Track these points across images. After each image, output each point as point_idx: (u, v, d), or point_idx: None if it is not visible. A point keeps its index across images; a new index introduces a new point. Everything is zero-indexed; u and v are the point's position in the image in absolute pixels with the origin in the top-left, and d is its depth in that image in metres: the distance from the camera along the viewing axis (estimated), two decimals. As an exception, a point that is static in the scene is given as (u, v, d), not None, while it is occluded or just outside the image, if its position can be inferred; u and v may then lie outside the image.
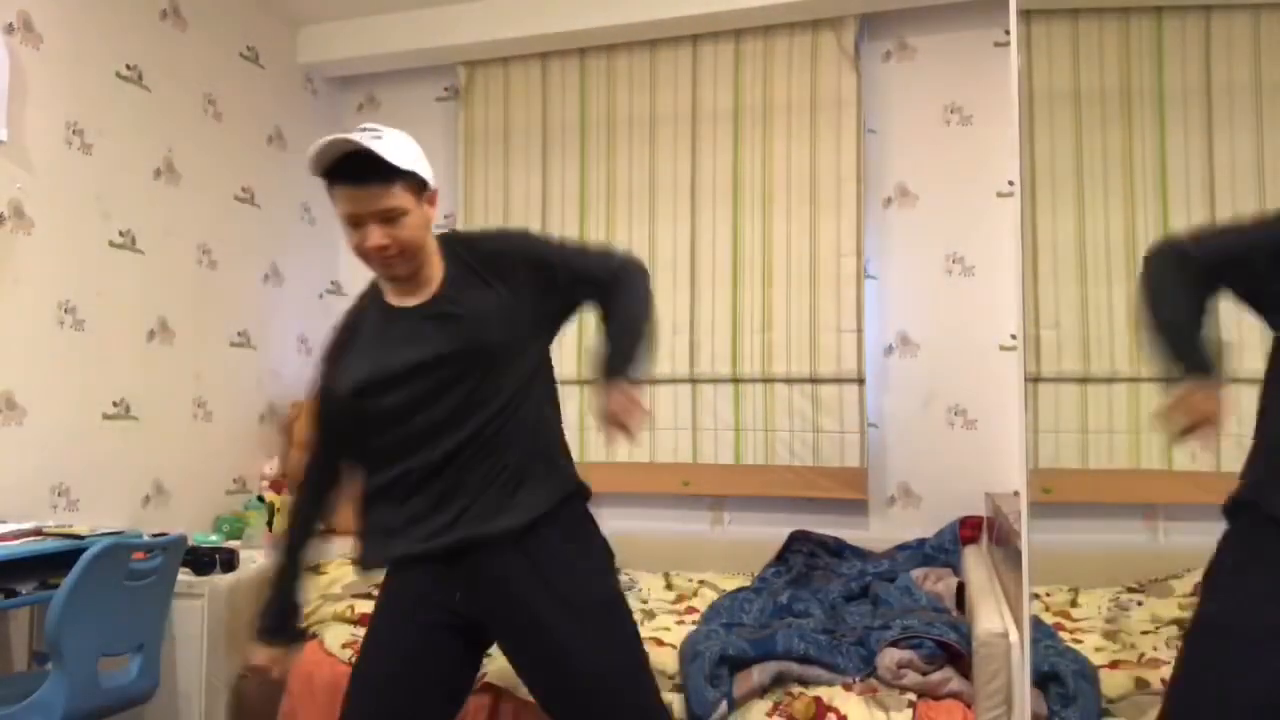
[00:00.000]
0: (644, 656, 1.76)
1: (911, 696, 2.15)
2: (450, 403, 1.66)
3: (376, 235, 1.59)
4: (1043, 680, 2.02)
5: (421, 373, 1.66)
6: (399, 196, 1.59)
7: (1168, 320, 1.70)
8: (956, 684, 2.17)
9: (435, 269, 1.72)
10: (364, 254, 1.63)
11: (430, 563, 1.69)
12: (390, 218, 1.59)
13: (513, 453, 1.69)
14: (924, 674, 2.19)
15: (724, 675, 2.19)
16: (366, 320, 1.74)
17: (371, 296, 1.77)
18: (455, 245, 1.76)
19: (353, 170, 1.56)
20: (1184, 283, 1.70)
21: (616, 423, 1.68)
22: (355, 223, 1.60)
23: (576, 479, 1.82)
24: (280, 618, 1.80)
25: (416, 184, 1.63)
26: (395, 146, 1.58)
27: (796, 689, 2.21)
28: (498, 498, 1.67)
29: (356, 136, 1.55)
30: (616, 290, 1.79)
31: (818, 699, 2.15)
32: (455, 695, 1.76)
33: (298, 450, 3.60)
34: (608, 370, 1.73)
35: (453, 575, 1.68)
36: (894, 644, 2.26)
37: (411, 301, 1.70)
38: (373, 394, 1.68)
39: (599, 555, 1.82)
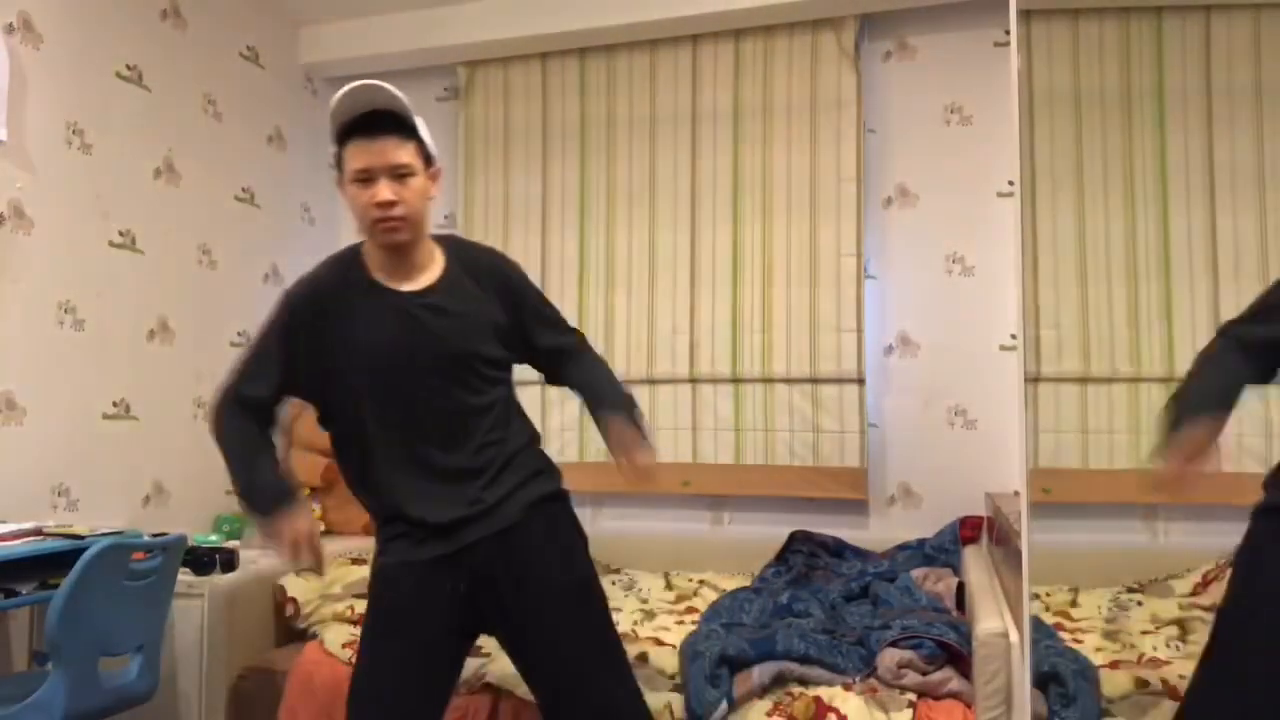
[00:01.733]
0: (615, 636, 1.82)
1: (911, 696, 2.15)
2: (446, 396, 1.69)
3: (386, 190, 1.62)
4: (1043, 680, 2.02)
5: (425, 361, 1.68)
6: (412, 155, 1.65)
7: (1199, 385, 1.70)
8: (956, 684, 2.17)
9: (432, 259, 1.74)
10: (369, 211, 1.64)
11: (435, 560, 1.70)
12: (401, 174, 1.63)
13: (507, 446, 1.75)
14: (924, 674, 2.19)
15: (724, 675, 2.19)
16: (352, 292, 1.71)
17: (350, 269, 1.73)
18: (455, 246, 1.80)
19: (372, 123, 1.62)
20: (1237, 361, 1.70)
21: (630, 457, 1.75)
22: (366, 178, 1.63)
23: (558, 475, 1.88)
24: (273, 482, 1.71)
25: (425, 153, 1.69)
26: (410, 110, 1.67)
27: (796, 689, 2.21)
28: (494, 489, 1.71)
29: (379, 84, 1.61)
30: (585, 350, 1.93)
31: (818, 699, 2.15)
32: (449, 693, 1.78)
33: (298, 450, 3.61)
34: (609, 407, 1.80)
35: (455, 571, 1.70)
36: (894, 644, 2.26)
37: (405, 286, 1.71)
38: (379, 374, 1.68)
39: (581, 542, 1.87)
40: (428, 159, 1.70)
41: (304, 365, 1.71)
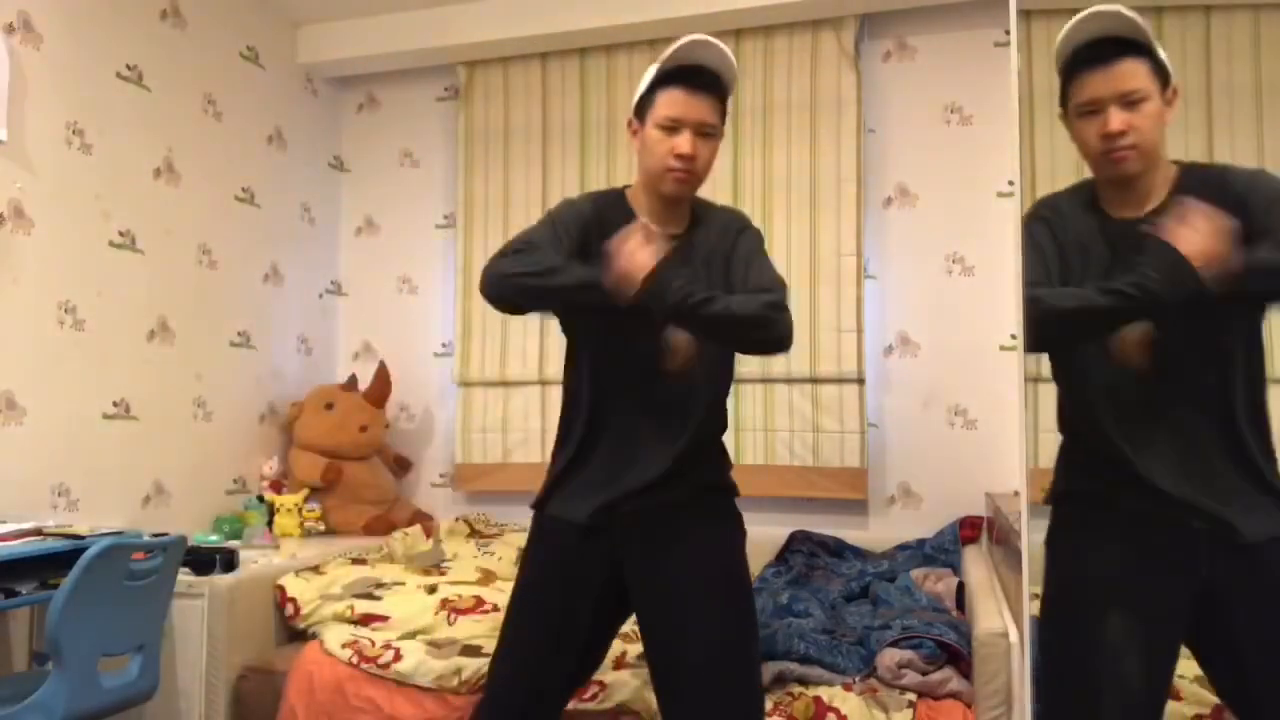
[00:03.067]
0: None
1: (911, 696, 2.16)
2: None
3: (689, 144, 1.66)
4: (1043, 680, 2.02)
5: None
6: (721, 119, 1.76)
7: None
8: (956, 684, 2.17)
9: (690, 214, 1.82)
10: (664, 160, 1.67)
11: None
12: (707, 133, 1.71)
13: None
14: (924, 674, 2.19)
15: (724, 675, 2.19)
16: (613, 231, 1.64)
17: (617, 210, 1.75)
18: (719, 211, 1.89)
19: (697, 78, 1.70)
20: None
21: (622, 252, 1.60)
22: (674, 127, 1.67)
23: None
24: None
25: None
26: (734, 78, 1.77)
27: (796, 689, 2.21)
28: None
29: (716, 44, 1.69)
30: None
31: (818, 699, 2.15)
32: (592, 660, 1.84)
33: (298, 450, 3.62)
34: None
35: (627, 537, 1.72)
36: (894, 644, 2.26)
37: (665, 230, 1.75)
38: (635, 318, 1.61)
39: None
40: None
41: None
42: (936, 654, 2.23)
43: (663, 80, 1.68)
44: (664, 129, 1.66)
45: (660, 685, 1.74)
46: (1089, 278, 1.58)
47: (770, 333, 1.67)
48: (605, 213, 1.73)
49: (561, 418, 1.83)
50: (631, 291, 1.56)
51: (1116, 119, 1.54)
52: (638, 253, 1.56)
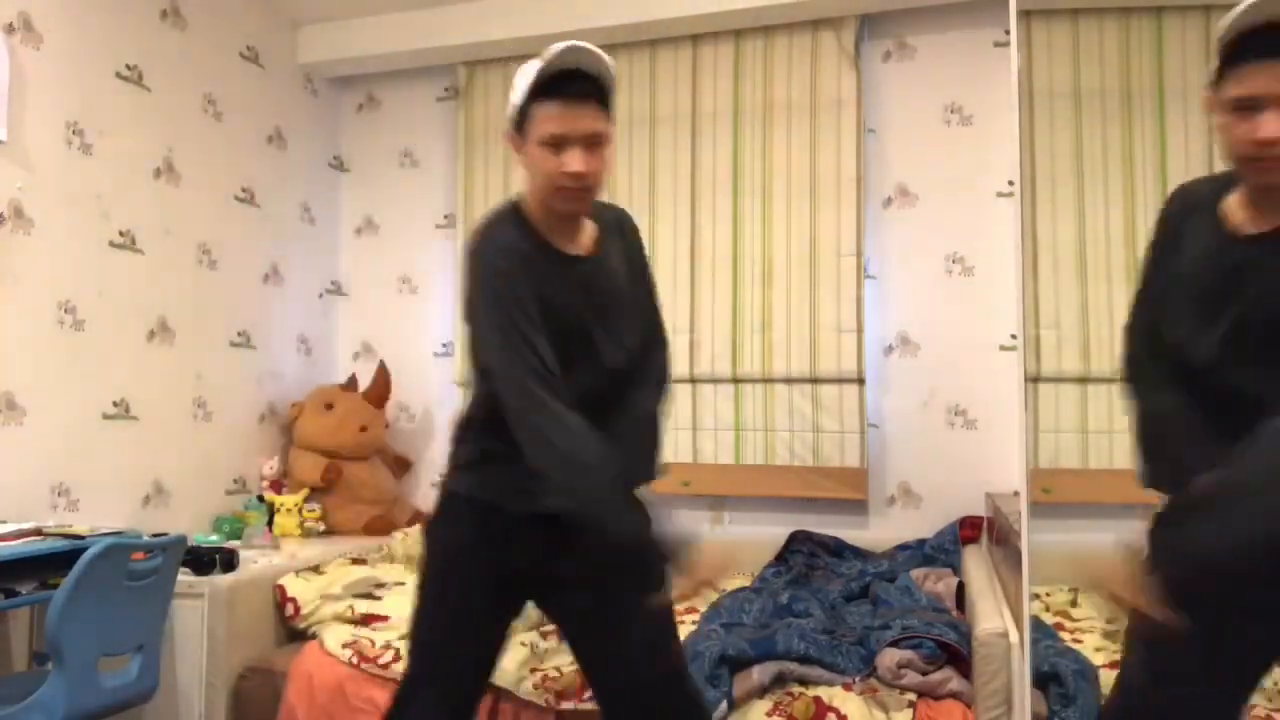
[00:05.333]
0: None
1: (911, 696, 2.16)
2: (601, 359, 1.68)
3: (578, 160, 1.52)
4: (1043, 680, 2.02)
5: (599, 325, 1.66)
6: (607, 124, 1.57)
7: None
8: (956, 684, 2.17)
9: (587, 221, 1.69)
10: (557, 181, 1.54)
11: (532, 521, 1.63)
12: (595, 143, 1.54)
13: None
14: (924, 674, 2.19)
15: (724, 675, 2.19)
16: (534, 255, 1.60)
17: (518, 231, 1.61)
18: (606, 210, 1.76)
19: (573, 87, 1.52)
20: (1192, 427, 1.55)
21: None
22: (559, 144, 1.53)
23: None
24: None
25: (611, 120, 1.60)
26: (613, 78, 1.57)
27: (796, 689, 2.21)
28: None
29: (590, 47, 1.52)
30: (653, 385, 1.92)
31: (817, 699, 2.15)
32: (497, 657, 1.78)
33: (298, 450, 3.62)
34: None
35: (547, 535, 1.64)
36: (894, 644, 2.26)
37: (574, 250, 1.66)
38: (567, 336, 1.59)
39: None
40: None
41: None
42: (936, 654, 2.23)
43: (538, 92, 1.52)
44: (549, 146, 1.53)
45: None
46: (1194, 301, 1.50)
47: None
48: (519, 238, 1.60)
49: None
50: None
51: (1273, 124, 1.33)
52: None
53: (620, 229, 1.77)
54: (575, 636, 1.78)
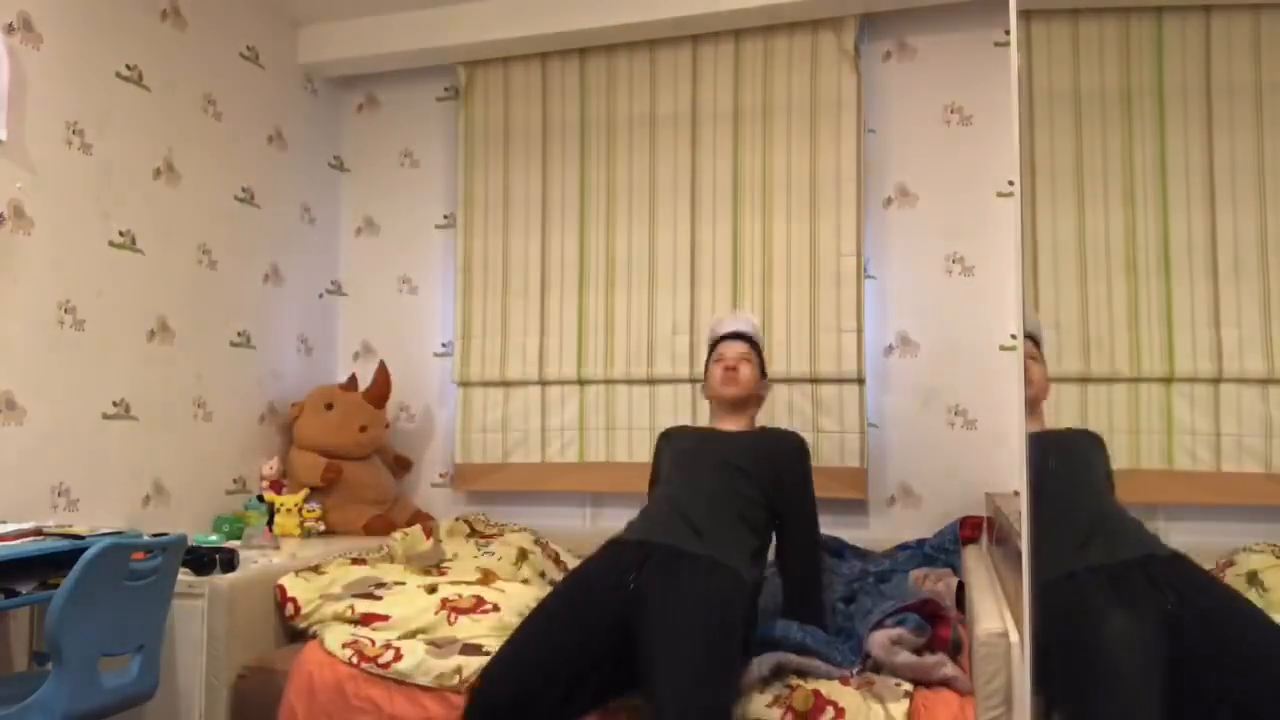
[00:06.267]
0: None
1: (908, 687, 2.15)
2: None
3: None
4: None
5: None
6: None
7: None
8: (950, 669, 2.17)
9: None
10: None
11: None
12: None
13: None
14: (916, 651, 2.21)
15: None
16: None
17: None
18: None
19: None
20: None
21: None
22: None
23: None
24: None
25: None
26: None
27: (795, 680, 2.21)
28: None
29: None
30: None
31: (816, 691, 2.15)
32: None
33: (298, 450, 3.62)
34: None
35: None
36: (878, 626, 2.28)
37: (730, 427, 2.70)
38: None
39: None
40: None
41: None
42: (923, 625, 2.26)
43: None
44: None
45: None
46: None
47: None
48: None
49: None
50: None
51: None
52: None
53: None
54: None
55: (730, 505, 2.39)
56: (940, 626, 2.31)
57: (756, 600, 2.36)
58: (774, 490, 2.48)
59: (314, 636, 2.68)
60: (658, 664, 1.97)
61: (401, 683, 2.43)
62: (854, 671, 2.25)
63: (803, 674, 2.23)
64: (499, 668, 2.08)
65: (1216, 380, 3.03)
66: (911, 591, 2.60)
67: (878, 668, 2.25)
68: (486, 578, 3.03)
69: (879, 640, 2.23)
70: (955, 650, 2.29)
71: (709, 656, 1.99)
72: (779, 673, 2.22)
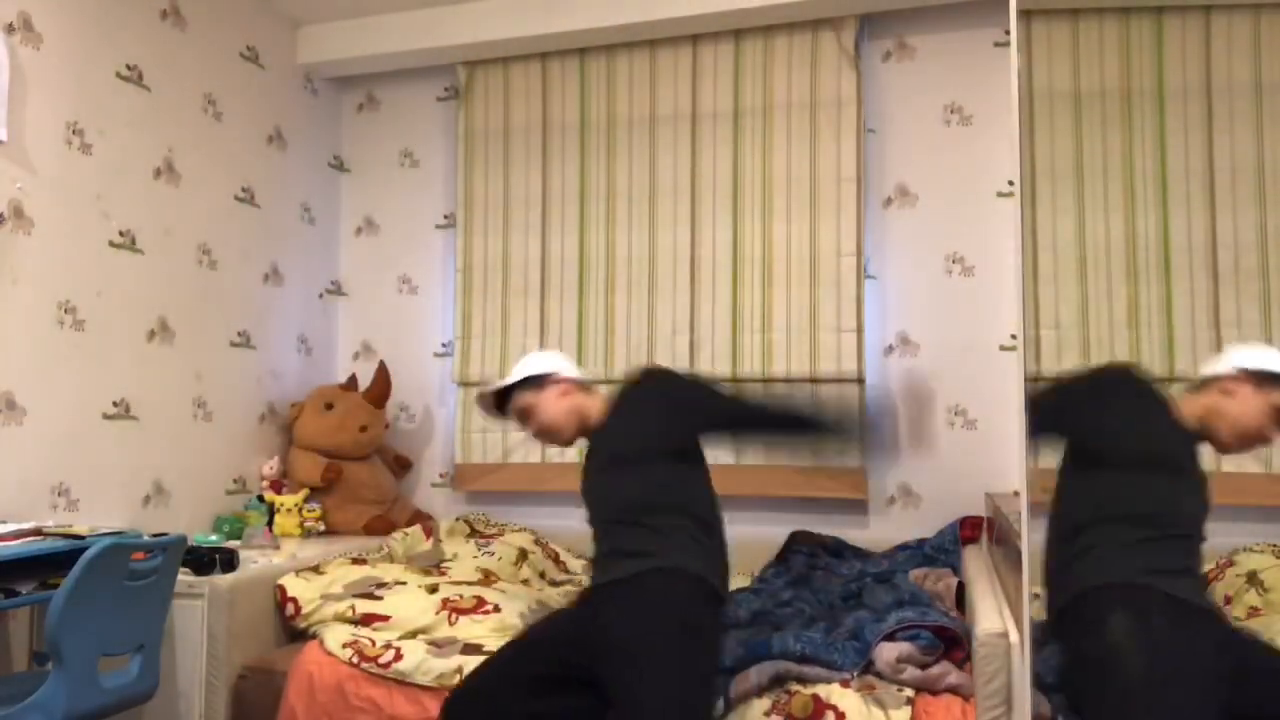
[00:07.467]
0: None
1: (909, 692, 2.15)
2: None
3: None
4: (1043, 680, 2.02)
5: None
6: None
7: None
8: (955, 677, 2.17)
9: None
10: None
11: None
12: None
13: None
14: (923, 667, 2.19)
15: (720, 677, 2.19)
16: None
17: None
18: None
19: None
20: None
21: None
22: None
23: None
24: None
25: None
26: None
27: (794, 686, 2.21)
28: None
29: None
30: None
31: (815, 696, 2.15)
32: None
33: (298, 450, 3.62)
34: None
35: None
36: (889, 637, 2.26)
37: None
38: None
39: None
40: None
41: None
42: (935, 643, 2.23)
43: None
44: None
45: None
46: None
47: None
48: None
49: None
50: None
51: None
52: None
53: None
54: None
55: (641, 496, 2.20)
56: (955, 650, 2.27)
57: (721, 564, 2.26)
58: (669, 429, 2.29)
59: (314, 636, 2.68)
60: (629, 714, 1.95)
61: (402, 683, 2.43)
62: (855, 673, 2.24)
63: (802, 681, 2.22)
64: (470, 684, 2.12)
65: (1216, 380, 3.03)
66: (925, 600, 2.57)
67: (880, 673, 2.24)
68: (487, 578, 3.03)
69: (886, 656, 2.22)
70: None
71: (676, 693, 1.95)
72: (778, 681, 2.22)
